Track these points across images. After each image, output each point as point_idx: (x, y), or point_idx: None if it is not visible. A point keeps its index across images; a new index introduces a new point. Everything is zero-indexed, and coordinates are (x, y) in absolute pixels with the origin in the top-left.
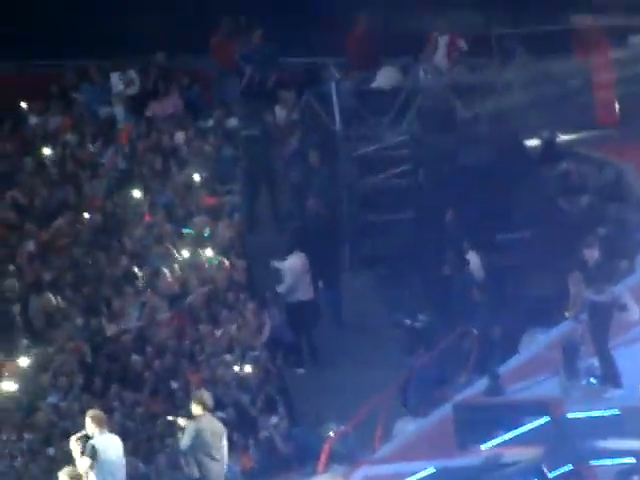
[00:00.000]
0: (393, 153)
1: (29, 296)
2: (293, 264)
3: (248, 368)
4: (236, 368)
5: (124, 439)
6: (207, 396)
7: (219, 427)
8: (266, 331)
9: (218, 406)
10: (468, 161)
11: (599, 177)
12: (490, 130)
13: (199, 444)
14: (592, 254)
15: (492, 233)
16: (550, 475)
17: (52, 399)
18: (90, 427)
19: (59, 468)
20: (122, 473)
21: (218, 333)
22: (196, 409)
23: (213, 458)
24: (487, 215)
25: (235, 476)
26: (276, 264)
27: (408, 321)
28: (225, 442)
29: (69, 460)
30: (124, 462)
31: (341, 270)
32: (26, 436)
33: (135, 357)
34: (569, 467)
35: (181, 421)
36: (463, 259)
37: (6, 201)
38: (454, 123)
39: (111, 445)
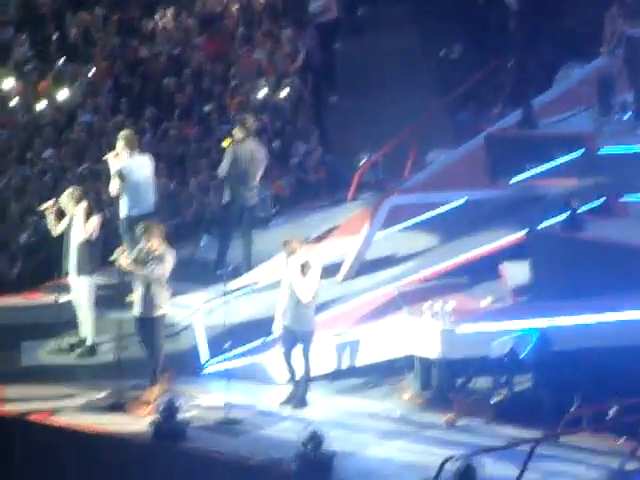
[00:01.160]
0: None
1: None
2: None
3: (281, 94)
4: (268, 93)
5: (156, 160)
6: (251, 120)
7: (261, 153)
8: (301, 57)
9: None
10: None
11: None
12: None
13: (236, 169)
14: None
15: None
16: (580, 209)
17: (85, 117)
18: (120, 147)
19: (88, 184)
20: (150, 194)
21: (253, 56)
22: (238, 133)
23: (247, 185)
24: None
25: (265, 200)
26: None
27: (443, 51)
28: (262, 169)
29: (97, 178)
30: (153, 183)
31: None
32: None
33: (168, 79)
34: (600, 201)
35: (224, 142)
36: None
37: None
38: None
39: (139, 167)
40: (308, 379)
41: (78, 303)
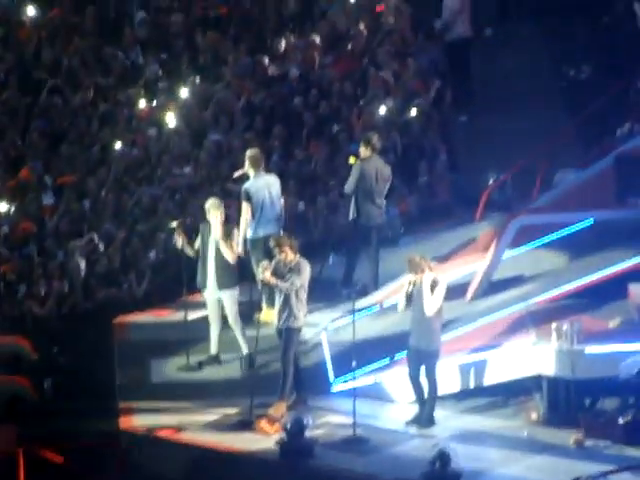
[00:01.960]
0: None
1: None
2: None
3: (411, 113)
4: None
5: (284, 179)
6: (376, 138)
7: (386, 170)
8: (431, 76)
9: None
10: None
11: None
12: None
13: (362, 186)
14: None
15: None
16: None
17: (214, 136)
18: (247, 166)
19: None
20: (276, 213)
21: (381, 76)
22: (364, 151)
23: (374, 202)
24: None
25: (393, 219)
26: None
27: (572, 72)
28: (387, 186)
29: (228, 197)
30: (279, 202)
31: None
32: (187, 171)
33: (298, 98)
34: None
35: (351, 159)
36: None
37: None
38: None
39: (265, 186)
40: (435, 398)
41: (214, 319)
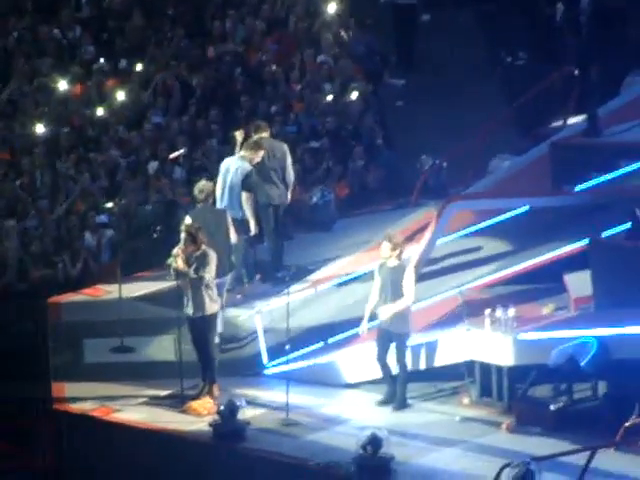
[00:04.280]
0: None
1: None
2: None
3: (349, 97)
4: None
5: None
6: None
7: (279, 147)
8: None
9: (314, 135)
10: None
11: None
12: None
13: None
14: None
15: None
16: None
17: (156, 118)
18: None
19: (154, 186)
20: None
21: (320, 60)
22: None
23: (271, 180)
24: None
25: (328, 203)
26: None
27: (509, 58)
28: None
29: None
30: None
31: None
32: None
33: (236, 81)
34: None
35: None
36: None
37: None
38: None
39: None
40: (406, 380)
41: None
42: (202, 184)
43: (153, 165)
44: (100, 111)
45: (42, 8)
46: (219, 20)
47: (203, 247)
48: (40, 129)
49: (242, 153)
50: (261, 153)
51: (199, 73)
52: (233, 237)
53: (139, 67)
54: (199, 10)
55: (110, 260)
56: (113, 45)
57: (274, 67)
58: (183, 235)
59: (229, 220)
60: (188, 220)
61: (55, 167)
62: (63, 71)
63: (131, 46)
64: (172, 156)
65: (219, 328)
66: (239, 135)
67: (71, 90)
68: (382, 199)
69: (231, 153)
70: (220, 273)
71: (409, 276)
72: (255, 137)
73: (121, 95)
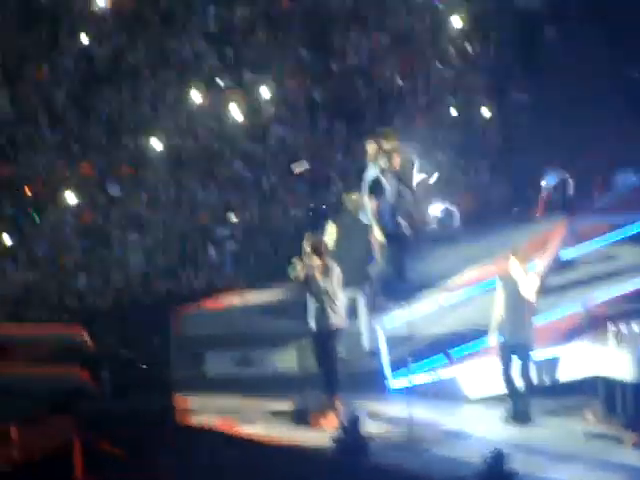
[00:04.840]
0: None
1: None
2: None
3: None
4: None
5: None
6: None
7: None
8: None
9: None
10: None
11: None
12: None
13: None
14: None
15: None
16: None
17: (279, 130)
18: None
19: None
20: None
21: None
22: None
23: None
24: None
25: (451, 215)
26: None
27: (636, 73)
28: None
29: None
30: None
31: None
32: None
33: (360, 94)
34: None
35: None
36: None
37: None
38: None
39: None
40: (531, 393)
41: None
42: (354, 196)
43: (275, 179)
44: (224, 125)
45: (167, 20)
46: (343, 34)
47: (326, 259)
48: (162, 143)
49: (381, 164)
50: (398, 159)
51: (323, 87)
52: (375, 251)
53: (263, 81)
54: (324, 24)
55: (233, 272)
56: (238, 59)
57: (399, 81)
58: (307, 247)
59: (373, 234)
60: (331, 228)
61: (180, 181)
62: (188, 85)
63: (255, 60)
64: (297, 170)
65: (344, 341)
66: (371, 147)
67: (195, 104)
68: (506, 213)
69: (359, 166)
70: (356, 285)
71: (533, 286)
72: (387, 145)
73: (245, 109)
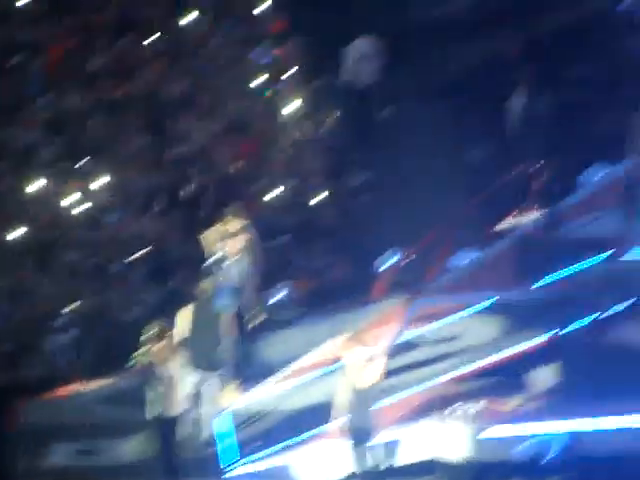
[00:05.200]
0: None
1: None
2: None
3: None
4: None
5: None
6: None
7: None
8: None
9: (277, 232)
10: None
11: None
12: None
13: None
14: None
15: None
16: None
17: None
18: None
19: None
20: None
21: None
22: None
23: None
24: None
25: (288, 301)
26: None
27: (470, 153)
28: None
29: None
30: None
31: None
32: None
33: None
34: (626, 304)
35: None
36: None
37: None
38: None
39: None
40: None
41: None
42: (205, 282)
43: (113, 266)
44: (60, 211)
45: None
46: (175, 121)
47: (171, 345)
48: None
49: (224, 246)
50: (241, 241)
51: (158, 173)
52: (227, 334)
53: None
54: (157, 110)
55: (74, 361)
56: (74, 145)
57: (237, 165)
58: (150, 333)
59: (225, 318)
60: (181, 313)
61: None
62: (22, 173)
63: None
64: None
65: (185, 428)
66: (214, 230)
67: (30, 192)
68: (344, 295)
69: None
70: (205, 370)
71: (374, 371)
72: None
73: (82, 195)
